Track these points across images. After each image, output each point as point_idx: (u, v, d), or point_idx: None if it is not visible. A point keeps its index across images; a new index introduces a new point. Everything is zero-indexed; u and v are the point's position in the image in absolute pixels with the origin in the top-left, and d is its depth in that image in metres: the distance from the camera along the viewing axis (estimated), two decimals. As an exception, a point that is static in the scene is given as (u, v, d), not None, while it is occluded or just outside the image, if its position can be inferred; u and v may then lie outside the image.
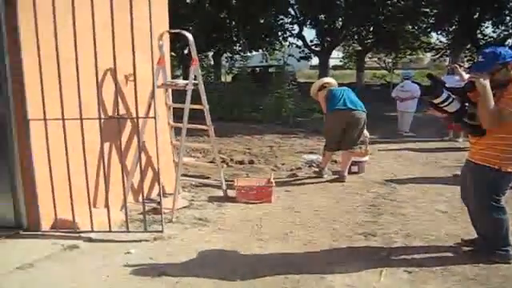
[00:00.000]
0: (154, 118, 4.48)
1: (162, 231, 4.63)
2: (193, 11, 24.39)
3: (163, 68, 5.58)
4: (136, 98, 4.42)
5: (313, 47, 30.05)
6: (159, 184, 4.98)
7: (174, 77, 7.92)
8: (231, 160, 8.51)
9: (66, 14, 4.14)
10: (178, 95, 6.12)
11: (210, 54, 30.95)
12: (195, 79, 5.53)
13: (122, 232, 4.62)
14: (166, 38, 5.84)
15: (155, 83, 4.98)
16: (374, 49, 32.20)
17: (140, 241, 4.46)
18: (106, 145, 5.02)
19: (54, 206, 4.45)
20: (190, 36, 5.48)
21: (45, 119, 4.23)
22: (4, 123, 4.41)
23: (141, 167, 4.71)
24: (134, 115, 4.60)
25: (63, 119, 4.26)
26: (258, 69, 28.28)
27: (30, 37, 4.15)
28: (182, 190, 6.24)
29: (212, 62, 30.68)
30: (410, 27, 27.64)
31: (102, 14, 4.19)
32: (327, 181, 7.15)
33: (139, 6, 4.24)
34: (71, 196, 4.38)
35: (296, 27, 29.58)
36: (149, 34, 4.30)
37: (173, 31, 5.69)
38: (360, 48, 32.73)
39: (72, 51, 4.17)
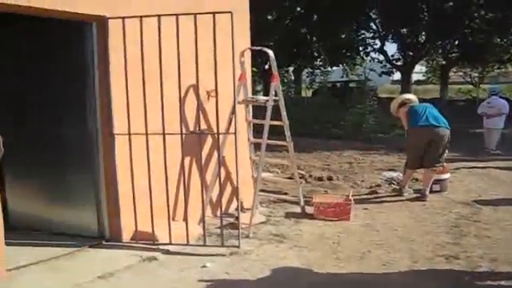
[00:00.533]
0: (235, 133, 4.47)
1: (238, 246, 4.58)
2: (273, 27, 24.55)
3: (244, 84, 5.58)
4: (217, 113, 4.44)
5: (395, 62, 29.22)
6: (237, 199, 4.94)
7: (254, 92, 7.92)
8: (310, 176, 8.37)
9: (152, 32, 4.22)
10: (259, 111, 6.09)
11: (291, 69, 30.99)
12: (276, 95, 5.49)
13: (199, 246, 4.61)
14: (248, 54, 5.85)
15: (236, 99, 4.97)
16: (459, 63, 30.71)
17: (216, 255, 4.43)
18: (187, 159, 5.07)
19: (135, 218, 4.53)
20: (271, 53, 5.45)
21: (129, 134, 4.34)
22: (91, 137, 4.58)
23: (220, 182, 4.70)
24: (215, 131, 4.61)
25: (146, 134, 4.34)
26: (338, 84, 27.94)
27: (119, 56, 4.28)
28: (260, 206, 6.17)
29: (292, 77, 30.69)
30: (499, 40, 26.10)
31: (185, 32, 4.25)
32: (408, 199, 6.84)
33: (222, 24, 4.25)
34: (151, 209, 4.45)
35: (378, 42, 28.92)
36: (231, 50, 4.30)
37: (254, 48, 5.69)
38: (444, 62, 31.36)
39: (157, 68, 4.25)
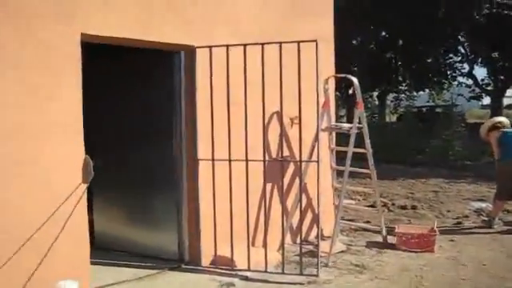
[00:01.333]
0: (317, 161, 4.35)
1: (317, 275, 4.42)
2: (358, 51, 24.23)
3: (328, 111, 5.47)
4: (300, 140, 4.36)
5: (484, 86, 27.67)
6: (318, 226, 4.80)
7: (338, 117, 7.78)
8: (393, 204, 8.03)
9: (238, 60, 4.24)
10: (343, 137, 5.93)
11: (375, 93, 30.35)
12: (359, 123, 5.32)
13: (277, 273, 4.50)
14: (332, 81, 5.74)
15: (320, 126, 4.86)
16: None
17: (294, 283, 4.30)
18: (269, 185, 5.01)
19: (215, 243, 4.52)
20: (355, 80, 5.31)
21: (213, 160, 4.36)
22: (176, 162, 4.66)
23: (301, 209, 4.59)
24: (298, 158, 4.52)
25: (230, 160, 4.34)
26: (424, 109, 26.87)
27: (205, 83, 4.34)
28: (341, 234, 5.97)
29: (377, 102, 29.98)
30: None
31: (270, 59, 4.23)
32: (497, 232, 6.33)
33: (306, 52, 4.19)
34: (231, 234, 4.41)
35: (466, 66, 27.59)
36: (315, 78, 4.23)
37: (339, 76, 5.58)
38: (539, 86, 29.26)
39: (242, 95, 4.25)
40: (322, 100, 5.21)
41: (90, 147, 3.85)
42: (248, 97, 4.29)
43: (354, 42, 25.15)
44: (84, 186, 3.69)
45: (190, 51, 4.43)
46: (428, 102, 29.43)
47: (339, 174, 5.81)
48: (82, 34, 3.68)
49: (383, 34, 25.61)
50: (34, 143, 3.46)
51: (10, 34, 3.34)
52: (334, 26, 6.08)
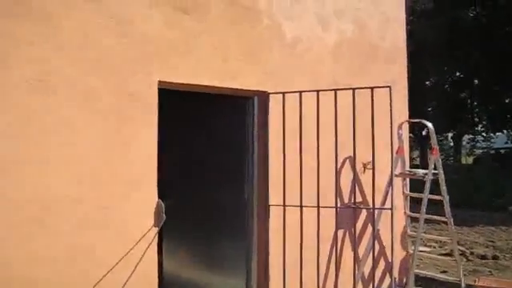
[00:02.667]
0: (391, 209, 4.13)
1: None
2: (432, 92, 23.52)
3: (402, 157, 5.25)
4: (373, 186, 4.17)
5: None
6: (391, 276, 4.53)
7: (411, 159, 7.40)
8: (471, 253, 7.50)
9: (311, 105, 4.18)
10: (418, 182, 5.64)
11: (450, 135, 29.16)
12: (435, 169, 5.04)
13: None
14: (406, 127, 5.53)
15: (393, 172, 4.64)
16: None
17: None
18: (340, 232, 4.81)
19: (284, 289, 4.35)
20: (430, 126, 5.08)
21: (284, 205, 4.25)
22: (247, 207, 4.57)
23: (373, 257, 4.36)
24: (371, 203, 4.32)
25: (301, 206, 4.21)
26: (502, 150, 25.37)
27: (278, 128, 4.30)
28: (415, 284, 5.59)
29: (451, 144, 28.74)
30: None
31: (343, 104, 4.14)
32: None
33: (380, 96, 4.06)
34: (301, 282, 4.23)
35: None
36: (389, 122, 4.08)
37: (413, 121, 5.37)
38: None
39: (314, 141, 4.16)
40: (396, 146, 5.01)
41: (162, 189, 3.87)
42: (321, 142, 4.19)
43: (428, 82, 24.48)
44: (155, 230, 3.70)
45: (264, 97, 4.42)
46: (506, 143, 27.78)
47: (413, 219, 5.51)
48: (159, 81, 3.77)
49: (458, 74, 24.75)
50: (110, 188, 3.49)
51: (95, 81, 3.47)
52: (407, 67, 5.91)
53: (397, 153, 5.07)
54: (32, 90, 3.18)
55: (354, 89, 4.09)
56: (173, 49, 3.85)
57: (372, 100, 4.01)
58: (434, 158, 5.04)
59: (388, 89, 3.99)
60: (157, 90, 3.76)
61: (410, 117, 5.78)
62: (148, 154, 3.69)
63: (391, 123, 4.09)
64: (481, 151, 24.50)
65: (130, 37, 3.63)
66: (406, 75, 5.81)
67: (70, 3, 3.36)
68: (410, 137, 6.23)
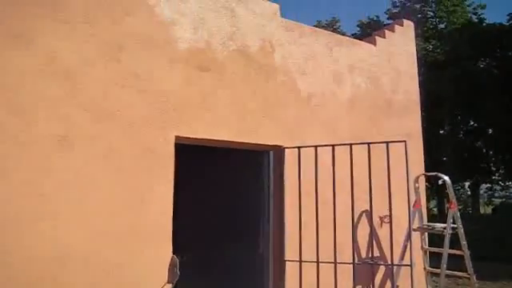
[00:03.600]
0: (410, 265, 4.00)
1: None
2: (446, 141, 23.33)
3: (419, 210, 5.13)
4: (391, 241, 4.07)
5: None
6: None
7: (428, 210, 7.17)
8: (495, 309, 7.13)
9: (326, 159, 4.15)
10: (436, 237, 5.49)
11: (467, 184, 28.65)
12: (454, 223, 4.91)
13: None
14: (422, 180, 5.44)
15: (411, 227, 4.53)
16: None
17: None
18: (358, 288, 4.66)
19: None
20: (447, 179, 4.99)
21: (300, 261, 4.15)
22: (262, 262, 4.47)
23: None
24: (388, 258, 4.19)
25: (318, 262, 4.11)
26: (522, 200, 24.82)
27: (293, 182, 4.27)
28: None
29: (469, 193, 28.18)
30: None
31: (359, 158, 4.11)
32: None
33: (395, 150, 4.03)
34: None
35: None
36: (405, 176, 4.03)
37: (429, 174, 5.29)
38: None
39: (330, 195, 4.11)
40: (412, 199, 4.92)
41: (177, 244, 3.81)
42: (337, 196, 4.13)
43: (442, 131, 24.34)
44: (169, 286, 3.62)
45: (280, 151, 4.41)
46: (525, 192, 27.18)
47: (434, 274, 5.32)
48: (176, 136, 3.80)
49: (471, 123, 24.61)
50: (124, 244, 3.46)
51: (114, 137, 3.52)
52: (422, 115, 5.90)
53: (414, 206, 4.96)
54: (53, 147, 3.24)
55: (369, 143, 4.07)
56: (190, 105, 3.91)
57: (388, 154, 3.98)
58: (453, 211, 4.92)
59: (403, 143, 3.96)
60: (173, 146, 3.79)
61: (425, 166, 5.70)
62: (163, 209, 3.67)
63: (407, 177, 4.03)
64: (499, 200, 23.90)
65: (149, 93, 3.71)
66: (420, 127, 5.78)
67: (91, 62, 3.47)
68: (426, 186, 6.10)
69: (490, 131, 24.07)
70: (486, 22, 23.77)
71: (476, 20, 24.67)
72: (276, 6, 4.65)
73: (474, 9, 25.42)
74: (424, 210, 5.41)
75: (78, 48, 3.44)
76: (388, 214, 4.13)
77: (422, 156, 5.66)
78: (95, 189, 3.38)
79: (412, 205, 4.78)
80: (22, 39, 3.22)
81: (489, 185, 26.86)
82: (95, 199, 3.37)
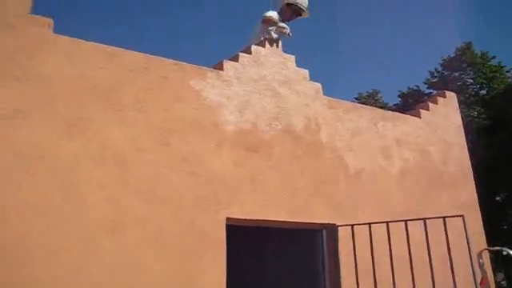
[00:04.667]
0: None
1: None
2: (504, 208, 22.24)
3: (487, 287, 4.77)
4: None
5: None
6: None
7: (496, 283, 6.57)
8: None
9: (381, 236, 4.00)
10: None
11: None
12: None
13: None
14: (486, 254, 5.12)
15: (479, 306, 4.20)
16: None
17: None
18: None
19: None
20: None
21: None
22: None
23: None
24: None
25: None
26: None
27: (348, 260, 4.10)
28: None
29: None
30: None
31: (416, 234, 3.93)
32: None
33: (453, 223, 3.83)
34: None
35: None
36: (467, 251, 3.80)
37: (493, 249, 4.99)
38: None
39: (388, 272, 3.90)
40: (478, 276, 4.60)
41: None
42: (395, 274, 3.92)
43: (498, 198, 23.28)
44: None
45: (333, 229, 4.31)
46: None
47: None
48: (227, 218, 3.78)
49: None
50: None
51: (165, 220, 3.52)
52: (476, 183, 5.68)
53: (481, 284, 4.62)
54: (104, 231, 3.27)
55: (425, 219, 3.90)
56: (240, 186, 3.92)
57: (445, 229, 3.79)
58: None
59: (461, 218, 3.77)
60: (225, 227, 3.76)
61: (487, 237, 5.38)
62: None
63: (470, 253, 3.80)
64: None
65: (199, 175, 3.76)
66: (476, 198, 5.54)
67: (141, 147, 3.57)
68: (490, 257, 5.72)
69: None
70: (527, 85, 23.36)
71: (517, 84, 24.31)
72: (318, 86, 4.73)
73: (513, 74, 25.15)
74: (492, 286, 5.04)
75: (130, 134, 3.57)
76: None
77: (482, 228, 5.38)
78: (146, 272, 3.36)
79: (478, 282, 4.46)
80: (77, 128, 3.38)
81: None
82: (146, 283, 3.34)
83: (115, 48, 3.72)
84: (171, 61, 3.96)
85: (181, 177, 3.69)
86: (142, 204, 3.48)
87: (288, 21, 5.26)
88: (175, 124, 3.79)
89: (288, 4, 5.18)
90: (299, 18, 5.33)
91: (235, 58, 4.31)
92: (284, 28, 4.97)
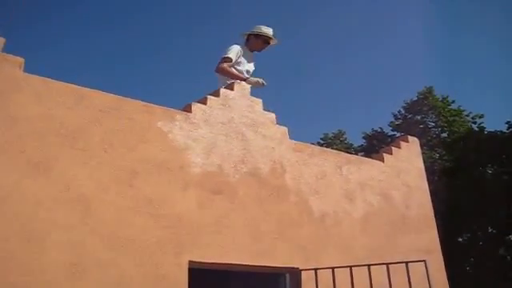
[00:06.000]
0: None
1: None
2: (467, 250, 22.67)
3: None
4: None
5: None
6: None
7: None
8: None
9: (343, 277, 4.02)
10: None
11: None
12: None
13: None
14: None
15: None
16: None
17: None
18: None
19: None
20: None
21: None
22: None
23: None
24: None
25: None
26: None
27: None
28: None
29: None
30: None
31: (378, 277, 3.96)
32: None
33: (416, 267, 3.89)
34: None
35: None
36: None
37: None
38: None
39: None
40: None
41: None
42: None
43: (461, 239, 23.70)
44: None
45: (296, 273, 4.30)
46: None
47: None
48: (190, 261, 3.75)
49: (490, 229, 24.02)
50: None
51: (127, 263, 3.47)
52: (438, 223, 5.82)
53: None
54: (65, 274, 3.20)
55: (387, 264, 3.95)
56: (204, 229, 3.91)
57: (408, 274, 3.84)
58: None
59: (423, 262, 3.84)
60: (187, 270, 3.72)
61: (449, 280, 5.47)
62: None
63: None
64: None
65: (163, 217, 3.74)
66: (438, 242, 5.66)
67: (104, 187, 3.54)
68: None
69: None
70: (487, 130, 24.33)
71: (477, 129, 25.30)
72: (284, 129, 4.83)
73: (473, 118, 26.20)
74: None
75: (94, 175, 3.54)
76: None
77: (444, 271, 5.47)
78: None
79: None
80: (40, 167, 3.33)
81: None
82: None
83: (85, 88, 3.73)
84: (140, 102, 3.99)
85: (144, 219, 3.65)
86: (104, 247, 3.41)
87: (259, 51, 5.52)
88: (141, 165, 3.78)
89: (256, 35, 5.40)
90: (268, 46, 5.55)
91: (203, 101, 4.37)
92: (258, 79, 5.20)
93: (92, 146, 3.60)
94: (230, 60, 5.16)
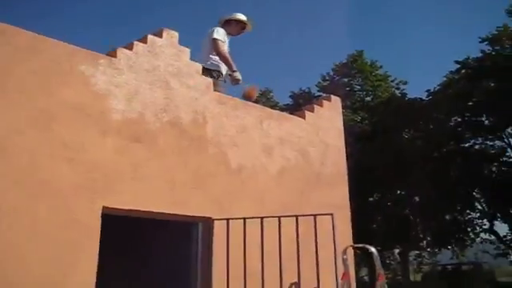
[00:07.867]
0: None
1: None
2: (375, 209, 24.20)
3: (347, 282, 5.25)
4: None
5: (508, 242, 26.49)
6: None
7: (360, 277, 7.27)
8: None
9: (255, 228, 4.22)
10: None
11: (396, 251, 29.42)
12: (381, 294, 5.08)
13: None
14: (350, 252, 5.63)
15: (339, 298, 4.62)
16: None
17: None
18: None
19: None
20: (373, 250, 5.20)
21: None
22: None
23: None
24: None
25: None
26: (449, 267, 25.60)
27: (222, 254, 4.29)
28: None
29: (399, 260, 28.91)
30: None
31: (288, 231, 4.21)
32: None
33: (323, 223, 4.17)
34: None
35: (486, 222, 26.81)
36: (333, 248, 4.16)
37: (357, 246, 5.50)
38: None
39: (259, 267, 4.15)
40: (340, 271, 5.05)
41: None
42: (265, 268, 4.17)
43: (371, 199, 25.23)
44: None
45: (208, 223, 4.46)
46: (452, 258, 28.18)
47: None
48: (104, 207, 3.77)
49: (398, 192, 25.77)
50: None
51: (40, 206, 3.44)
52: (351, 184, 6.17)
53: (342, 278, 5.08)
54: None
55: (297, 216, 4.20)
56: (120, 175, 3.92)
57: (315, 227, 4.11)
58: (380, 283, 5.09)
59: (330, 216, 4.12)
60: (100, 217, 3.74)
61: (355, 236, 5.89)
62: (86, 283, 3.56)
63: (335, 249, 4.15)
64: (428, 267, 24.69)
65: (79, 163, 3.70)
66: (347, 199, 6.03)
67: (19, 130, 3.44)
68: (357, 254, 6.30)
69: (417, 199, 25.24)
70: (408, 97, 25.69)
71: (399, 94, 26.60)
72: (210, 80, 4.86)
73: (397, 84, 27.50)
74: (353, 282, 5.54)
75: (10, 117, 3.41)
76: (316, 286, 4.19)
77: (350, 227, 5.87)
78: (20, 261, 3.27)
79: (340, 277, 4.89)
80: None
81: (417, 252, 27.78)
82: (19, 273, 3.25)
83: (4, 25, 3.53)
84: (63, 43, 3.84)
85: (60, 164, 3.60)
86: (18, 193, 3.35)
87: (234, 36, 6.01)
88: (60, 109, 3.68)
89: (236, 21, 5.91)
90: (244, 31, 6.09)
91: (130, 47, 4.28)
92: (235, 75, 5.59)
93: (9, 88, 3.45)
94: (223, 42, 5.62)
